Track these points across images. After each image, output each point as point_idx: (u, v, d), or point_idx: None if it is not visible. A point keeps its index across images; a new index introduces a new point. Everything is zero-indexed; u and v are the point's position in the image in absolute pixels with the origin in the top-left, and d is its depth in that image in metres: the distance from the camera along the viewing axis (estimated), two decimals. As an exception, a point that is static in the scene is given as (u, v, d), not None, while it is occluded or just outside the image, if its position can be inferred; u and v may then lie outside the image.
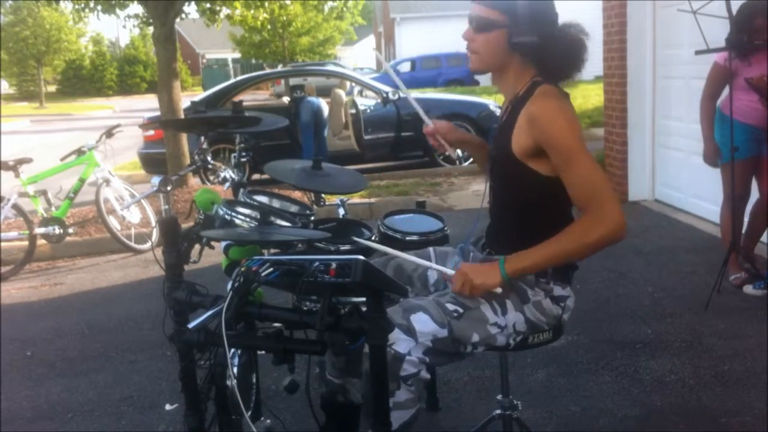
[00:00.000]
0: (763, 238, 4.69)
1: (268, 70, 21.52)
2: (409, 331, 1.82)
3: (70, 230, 6.16)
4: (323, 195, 3.09)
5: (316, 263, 1.61)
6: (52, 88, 46.11)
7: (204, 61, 47.33)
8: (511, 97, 2.01)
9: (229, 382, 2.04)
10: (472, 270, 1.90)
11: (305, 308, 2.20)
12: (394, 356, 1.79)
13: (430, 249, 2.27)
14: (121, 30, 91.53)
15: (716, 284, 3.94)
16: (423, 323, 1.85)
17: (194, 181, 7.85)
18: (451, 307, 1.91)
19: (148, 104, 25.28)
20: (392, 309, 1.87)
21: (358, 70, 28.95)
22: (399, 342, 1.81)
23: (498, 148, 2.02)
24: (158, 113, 7.94)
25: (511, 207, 2.02)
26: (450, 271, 1.97)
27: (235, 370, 2.25)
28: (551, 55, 1.94)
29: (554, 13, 1.96)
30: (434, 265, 2.06)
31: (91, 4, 8.65)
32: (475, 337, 1.92)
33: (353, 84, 10.45)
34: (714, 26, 4.04)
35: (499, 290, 1.91)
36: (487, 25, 1.93)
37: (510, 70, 1.99)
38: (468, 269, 1.91)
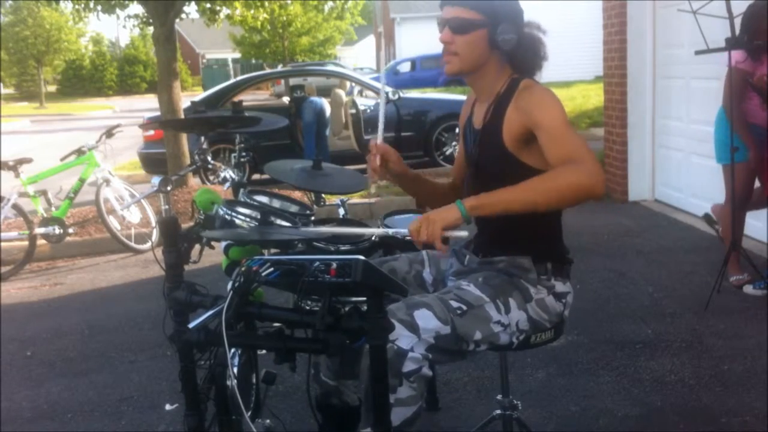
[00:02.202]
0: (764, 238, 4.70)
1: (268, 70, 21.49)
2: (412, 328, 1.82)
3: (70, 230, 6.16)
4: (323, 195, 3.09)
5: (317, 263, 1.61)
6: (52, 88, 46.11)
7: (204, 61, 47.29)
8: (492, 97, 2.03)
9: (229, 382, 2.04)
10: (433, 213, 1.81)
11: (306, 308, 2.19)
12: (397, 352, 1.79)
13: (424, 252, 2.27)
14: (121, 30, 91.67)
15: (716, 284, 3.94)
16: (426, 320, 1.85)
17: (194, 181, 7.85)
18: (454, 304, 1.91)
19: (148, 104, 25.27)
20: (395, 305, 1.87)
21: (358, 70, 28.93)
22: (402, 338, 1.80)
23: (486, 148, 2.03)
24: (158, 113, 7.94)
25: None
26: (403, 230, 1.85)
27: (235, 370, 2.25)
28: (525, 52, 1.99)
29: (522, 11, 2.01)
30: (389, 230, 1.97)
31: (91, 4, 8.64)
32: (478, 335, 1.92)
33: (353, 84, 10.44)
34: (714, 26, 4.04)
35: (464, 233, 1.81)
36: (468, 25, 1.96)
37: (488, 69, 2.03)
38: (428, 214, 1.82)
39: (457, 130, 9.48)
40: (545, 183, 1.77)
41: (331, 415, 2.24)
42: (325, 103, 9.21)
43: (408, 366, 1.80)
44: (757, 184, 4.15)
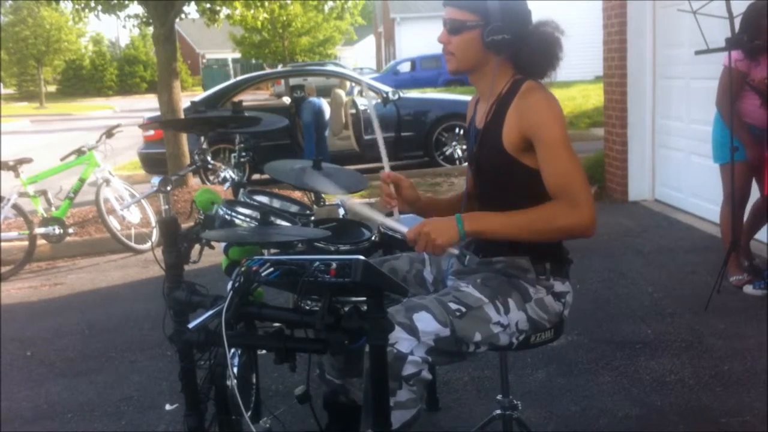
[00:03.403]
0: (764, 238, 4.70)
1: (268, 70, 21.52)
2: (412, 331, 1.82)
3: (70, 230, 6.16)
4: (323, 195, 3.09)
5: (317, 263, 1.61)
6: (52, 88, 46.11)
7: (204, 61, 47.29)
8: (493, 97, 2.03)
9: (229, 382, 2.04)
10: (432, 227, 1.85)
11: (306, 308, 2.20)
12: (397, 356, 1.79)
13: (424, 252, 2.27)
14: (121, 30, 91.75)
15: (716, 284, 3.94)
16: (426, 322, 1.84)
17: (194, 181, 7.85)
18: (453, 306, 1.91)
19: (148, 104, 25.28)
20: (394, 308, 1.86)
21: (358, 70, 28.94)
22: (401, 341, 1.80)
23: (486, 149, 2.03)
24: (158, 113, 7.95)
25: (504, 206, 1.96)
26: (404, 228, 1.91)
27: (235, 370, 2.25)
28: (527, 53, 1.98)
29: (527, 11, 2.00)
30: (389, 223, 2.00)
31: (91, 4, 8.64)
32: (478, 337, 1.92)
33: (353, 84, 10.44)
34: (714, 26, 4.04)
35: (455, 251, 1.90)
36: (460, 26, 1.97)
37: (487, 69, 2.02)
38: (428, 226, 1.85)
39: (457, 130, 9.55)
40: (542, 224, 1.86)
41: (338, 413, 2.24)
42: (325, 104, 9.21)
43: (408, 369, 1.80)
44: (752, 198, 4.14)
